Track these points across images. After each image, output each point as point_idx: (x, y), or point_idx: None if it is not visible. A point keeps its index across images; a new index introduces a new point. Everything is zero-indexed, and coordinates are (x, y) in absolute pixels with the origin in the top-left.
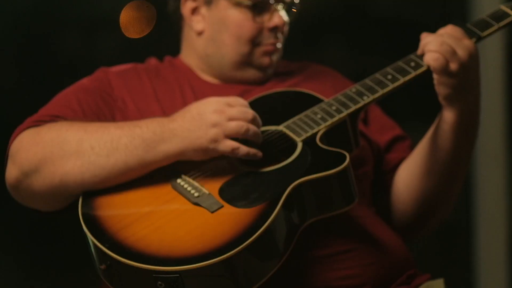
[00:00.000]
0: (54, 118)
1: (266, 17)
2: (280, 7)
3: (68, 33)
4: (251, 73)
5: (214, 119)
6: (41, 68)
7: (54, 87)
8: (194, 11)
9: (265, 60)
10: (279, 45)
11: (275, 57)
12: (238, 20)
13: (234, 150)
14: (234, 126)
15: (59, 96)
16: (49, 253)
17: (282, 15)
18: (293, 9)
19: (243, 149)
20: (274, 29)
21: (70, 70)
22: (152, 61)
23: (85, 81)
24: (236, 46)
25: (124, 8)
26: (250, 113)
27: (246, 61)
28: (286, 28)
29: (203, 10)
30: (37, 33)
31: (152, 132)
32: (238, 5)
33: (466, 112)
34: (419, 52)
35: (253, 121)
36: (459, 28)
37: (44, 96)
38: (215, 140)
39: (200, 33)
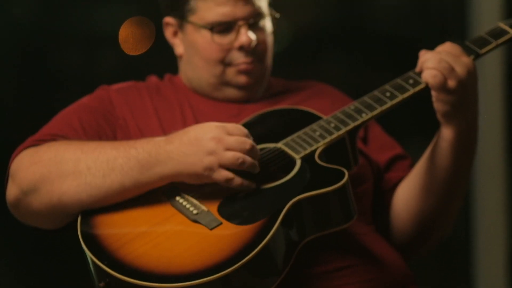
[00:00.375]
0: (55, 137)
1: (232, 36)
2: (246, 26)
3: (68, 50)
4: (231, 93)
5: (211, 147)
6: (41, 86)
7: (54, 105)
8: (175, 34)
9: (241, 79)
10: (255, 64)
11: (254, 76)
12: (203, 43)
13: (228, 180)
14: (230, 157)
15: (60, 115)
16: (48, 270)
17: (248, 34)
18: (271, 24)
19: (237, 180)
20: (242, 48)
21: (70, 87)
22: (153, 78)
23: (86, 99)
24: (207, 68)
25: (123, 25)
26: (248, 143)
27: (222, 82)
28: (268, 42)
29: (180, 34)
30: (37, 50)
31: (147, 154)
32: (201, 29)
33: (464, 129)
34: (417, 69)
35: (250, 151)
36: (457, 45)
37: (44, 113)
38: (209, 169)
39: (180, 57)
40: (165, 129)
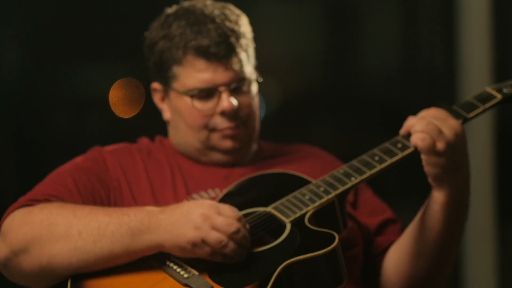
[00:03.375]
0: (49, 197)
1: (214, 102)
2: (227, 91)
3: (58, 113)
4: (217, 157)
5: (198, 222)
6: (31, 149)
7: (44, 168)
8: (162, 100)
9: (226, 144)
10: (239, 128)
11: (240, 140)
12: (186, 109)
13: (211, 256)
14: (213, 238)
15: (53, 174)
16: None
17: (230, 99)
18: (243, 91)
19: (219, 257)
20: (225, 114)
21: (60, 150)
22: (144, 140)
23: (80, 160)
24: (192, 133)
25: (112, 87)
26: (234, 226)
27: (208, 146)
28: (245, 110)
29: (166, 100)
30: (27, 114)
31: (139, 221)
32: (183, 95)
33: (456, 192)
34: (402, 132)
35: (235, 234)
36: (442, 110)
37: (35, 176)
38: (192, 243)
39: (168, 121)
40: (155, 191)
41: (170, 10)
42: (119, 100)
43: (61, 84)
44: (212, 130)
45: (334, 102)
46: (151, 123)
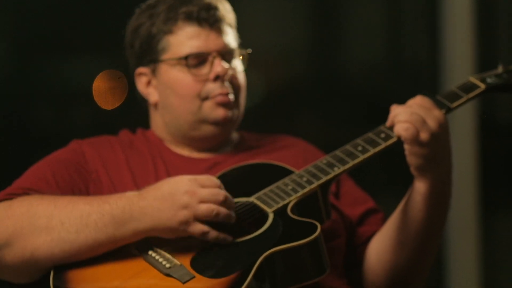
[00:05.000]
0: (27, 191)
1: (207, 69)
2: (219, 57)
3: (40, 105)
4: (209, 130)
5: (185, 200)
6: (13, 141)
7: (26, 160)
8: (148, 84)
9: (219, 113)
10: (231, 96)
11: (231, 112)
12: (179, 79)
13: (204, 234)
14: (204, 209)
15: (32, 168)
16: None
17: (222, 63)
18: (240, 57)
19: (213, 233)
20: (218, 78)
21: (42, 142)
22: (125, 133)
23: (59, 153)
24: (185, 105)
25: (96, 78)
26: (222, 194)
27: (200, 119)
28: (240, 79)
29: (153, 81)
30: (9, 106)
31: (121, 210)
32: (176, 64)
33: (438, 183)
34: (388, 123)
35: (224, 203)
36: (428, 99)
37: (16, 169)
38: (185, 223)
39: (155, 105)
40: (137, 183)
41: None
42: (102, 91)
43: (43, 76)
44: (205, 99)
45: (317, 94)
46: (133, 115)
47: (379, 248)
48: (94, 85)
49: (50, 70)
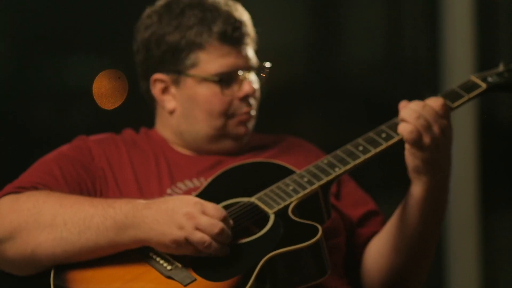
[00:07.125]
0: (36, 185)
1: (235, 87)
2: (247, 75)
3: (41, 104)
4: (227, 144)
5: (182, 222)
6: (15, 140)
7: (26, 160)
8: (164, 91)
9: (241, 130)
10: (253, 112)
11: (250, 124)
12: (207, 96)
13: (195, 253)
14: (197, 238)
15: (40, 162)
16: None
17: (251, 82)
18: (262, 74)
19: (204, 254)
20: (245, 98)
21: (44, 142)
22: (128, 131)
23: (65, 148)
24: (209, 121)
25: (96, 78)
26: (218, 227)
27: (222, 134)
28: (258, 94)
29: (173, 89)
30: (10, 105)
31: (124, 215)
32: (205, 81)
33: (434, 188)
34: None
35: (218, 235)
36: (444, 104)
37: (16, 169)
38: (176, 243)
39: (172, 112)
40: (139, 182)
41: (171, 2)
42: (103, 91)
43: (43, 76)
44: (231, 116)
45: (317, 93)
46: (133, 115)
47: (376, 251)
48: (94, 85)
49: (50, 69)
